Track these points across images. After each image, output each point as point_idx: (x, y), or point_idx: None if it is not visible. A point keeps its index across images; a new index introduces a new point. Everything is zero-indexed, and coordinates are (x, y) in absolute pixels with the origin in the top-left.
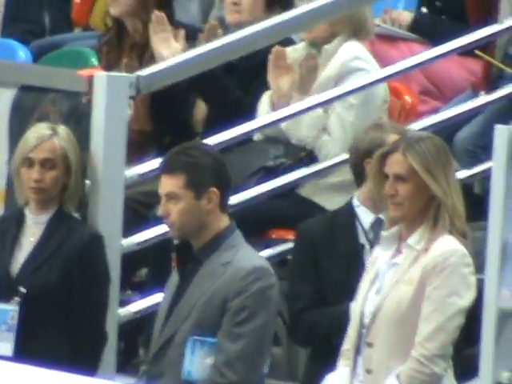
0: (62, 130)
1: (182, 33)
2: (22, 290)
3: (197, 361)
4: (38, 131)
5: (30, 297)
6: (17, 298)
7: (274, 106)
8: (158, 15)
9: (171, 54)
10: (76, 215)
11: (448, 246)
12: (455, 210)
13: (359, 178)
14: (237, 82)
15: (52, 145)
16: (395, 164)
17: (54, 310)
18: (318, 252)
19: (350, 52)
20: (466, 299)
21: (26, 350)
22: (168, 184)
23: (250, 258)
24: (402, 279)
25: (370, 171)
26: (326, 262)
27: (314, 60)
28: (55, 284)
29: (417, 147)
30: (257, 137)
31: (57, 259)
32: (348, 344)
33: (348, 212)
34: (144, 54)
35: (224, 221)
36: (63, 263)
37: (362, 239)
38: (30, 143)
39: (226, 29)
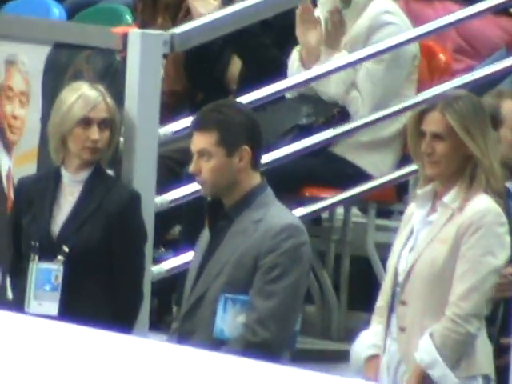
0: (103, 89)
1: None
2: (66, 249)
3: (229, 319)
4: (85, 91)
5: (73, 255)
6: (60, 257)
7: (303, 61)
8: None
9: (208, 11)
10: (110, 172)
11: (483, 205)
12: (492, 169)
13: None
14: (272, 40)
15: (107, 105)
16: (433, 122)
17: (96, 268)
18: None
19: (381, 6)
20: (501, 258)
21: (71, 308)
22: (200, 141)
23: (281, 215)
24: (437, 238)
25: (408, 128)
26: None
27: (339, 14)
28: (97, 242)
29: (455, 106)
30: (290, 94)
31: (98, 218)
32: (382, 301)
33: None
34: (177, 14)
35: (255, 179)
36: (104, 222)
37: None
38: (88, 103)
39: None
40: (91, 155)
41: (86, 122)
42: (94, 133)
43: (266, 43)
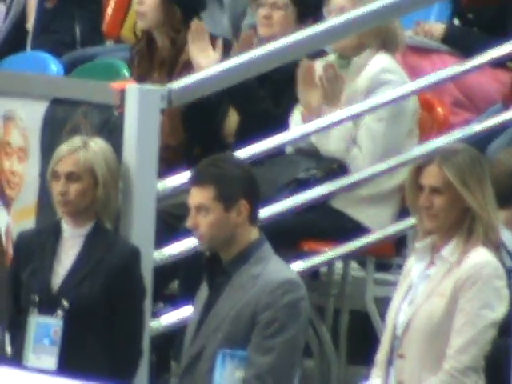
0: (94, 142)
1: (220, 42)
2: (65, 303)
3: (227, 374)
4: (68, 145)
5: (73, 310)
6: (60, 312)
7: (304, 120)
8: (197, 24)
9: (209, 63)
10: (110, 228)
11: (481, 258)
12: (490, 222)
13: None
14: (269, 93)
15: (76, 158)
16: (431, 176)
17: (96, 324)
18: None
19: (379, 64)
20: (499, 312)
21: (69, 363)
22: (197, 196)
23: (279, 270)
24: (435, 291)
25: (406, 182)
26: None
27: (333, 69)
28: (97, 298)
29: (453, 159)
30: (288, 149)
31: (99, 273)
32: (381, 355)
33: None
34: (173, 69)
35: (253, 233)
36: (105, 278)
37: (508, 262)
38: (56, 157)
39: (259, 40)
40: (62, 208)
41: (54, 176)
42: (59, 185)
43: (261, 96)
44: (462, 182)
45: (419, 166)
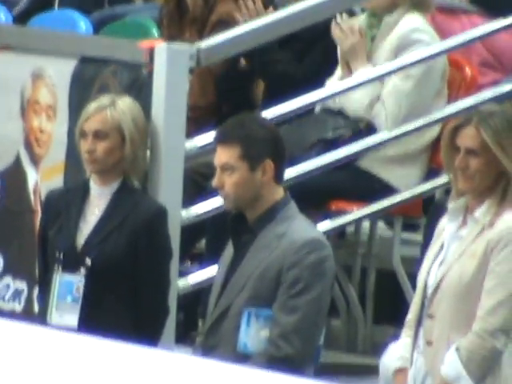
0: (123, 101)
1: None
2: (88, 261)
3: (252, 333)
4: (96, 103)
5: (96, 268)
6: (82, 270)
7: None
8: None
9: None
10: (138, 186)
11: None
12: None
13: None
14: (295, 52)
15: (103, 116)
16: (467, 137)
17: (119, 283)
18: None
19: (410, 24)
20: None
21: (91, 321)
22: (223, 155)
23: (304, 229)
24: (466, 252)
25: (442, 142)
26: None
27: (347, 24)
28: (121, 256)
29: (490, 121)
30: (317, 109)
31: (123, 232)
32: (412, 314)
33: None
34: (204, 29)
35: (279, 193)
36: (129, 236)
37: None
38: (84, 115)
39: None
40: (90, 166)
41: (82, 134)
42: (86, 144)
43: (279, 59)
44: (498, 145)
45: (456, 127)
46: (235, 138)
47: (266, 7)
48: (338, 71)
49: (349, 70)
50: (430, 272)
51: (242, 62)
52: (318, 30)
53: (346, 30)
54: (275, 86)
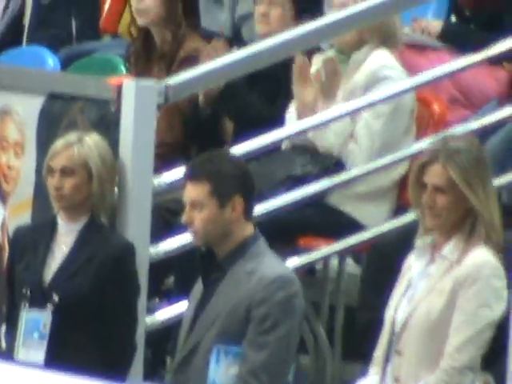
0: (90, 137)
1: (221, 41)
2: (56, 297)
3: (222, 370)
4: (63, 140)
5: (63, 305)
6: (50, 306)
7: (299, 117)
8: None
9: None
10: (106, 223)
11: (481, 257)
12: (492, 222)
13: None
14: (264, 90)
15: (70, 153)
16: (434, 175)
17: (86, 319)
18: None
19: (379, 60)
20: (497, 312)
21: (58, 358)
22: (192, 192)
23: (274, 266)
24: (434, 289)
25: (409, 180)
26: None
27: (333, 64)
28: (88, 293)
29: (456, 159)
30: (284, 146)
31: (90, 268)
32: (379, 351)
33: None
34: (172, 64)
35: (248, 229)
36: (96, 273)
37: None
38: (51, 152)
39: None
40: (57, 202)
41: (49, 171)
42: (54, 180)
43: (251, 101)
44: (465, 182)
45: (423, 164)
46: (204, 175)
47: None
48: (293, 106)
49: (308, 106)
50: (397, 308)
51: (201, 101)
52: (286, 67)
53: (334, 70)
54: (245, 127)
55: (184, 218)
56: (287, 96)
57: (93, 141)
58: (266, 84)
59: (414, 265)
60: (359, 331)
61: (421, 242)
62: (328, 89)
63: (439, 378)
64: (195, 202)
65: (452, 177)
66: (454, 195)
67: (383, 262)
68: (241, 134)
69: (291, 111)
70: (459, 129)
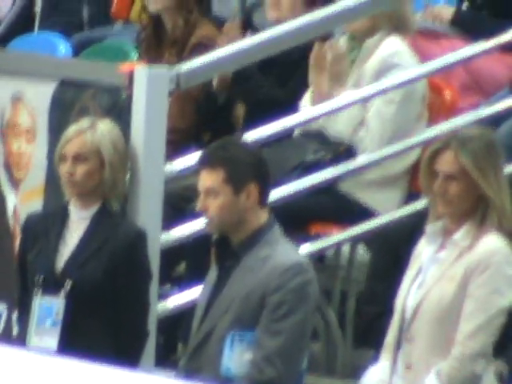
0: (103, 123)
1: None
2: (68, 284)
3: (236, 356)
4: (76, 126)
5: (76, 291)
6: (62, 293)
7: (314, 104)
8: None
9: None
10: (117, 210)
11: (493, 244)
12: (503, 209)
13: None
14: (276, 76)
15: (83, 139)
16: (446, 163)
17: (99, 305)
18: None
19: (391, 47)
20: (509, 298)
21: (71, 344)
22: (207, 179)
23: (288, 253)
24: (445, 275)
25: (421, 168)
26: None
27: (339, 48)
28: (100, 280)
29: (468, 146)
30: (296, 132)
31: (102, 255)
32: (390, 337)
33: None
34: (183, 51)
35: (263, 216)
36: (109, 259)
37: None
38: (64, 139)
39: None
40: (69, 189)
41: (61, 157)
42: (66, 167)
43: (262, 84)
44: (477, 170)
45: (434, 152)
46: (219, 162)
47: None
48: (310, 91)
49: (324, 94)
50: (408, 295)
51: (214, 84)
52: (298, 53)
53: (338, 54)
54: (258, 110)
55: (199, 206)
56: (300, 80)
57: (105, 127)
58: (274, 69)
59: (424, 250)
60: (366, 321)
61: (431, 227)
62: (334, 74)
63: (451, 366)
64: (210, 189)
65: (464, 164)
66: (466, 183)
67: (390, 251)
68: (252, 119)
69: (306, 98)
70: (471, 116)
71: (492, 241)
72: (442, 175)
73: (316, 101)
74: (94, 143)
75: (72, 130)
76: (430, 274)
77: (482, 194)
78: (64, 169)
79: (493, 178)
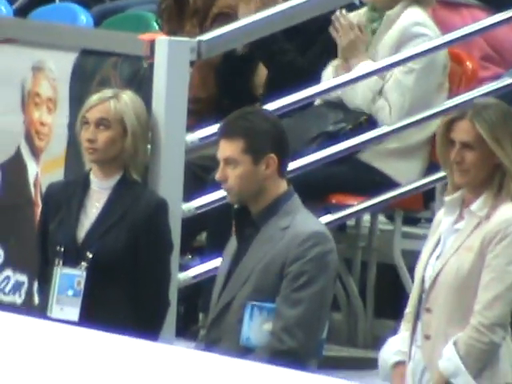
0: (126, 94)
1: None
2: (89, 255)
3: (255, 326)
4: (99, 94)
5: (97, 262)
6: (83, 263)
7: (338, 74)
8: None
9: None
10: (138, 180)
11: (510, 214)
12: None
13: None
14: (298, 45)
15: (107, 106)
16: (462, 131)
17: (120, 276)
18: None
19: (412, 18)
20: None
21: (92, 315)
22: (226, 149)
23: (308, 222)
24: (463, 245)
25: (437, 137)
26: None
27: (346, 19)
28: (122, 250)
29: (484, 115)
30: (317, 102)
31: (123, 225)
32: (410, 308)
33: None
34: (205, 21)
35: (282, 186)
36: (130, 229)
37: None
38: (87, 105)
39: None
40: (90, 155)
41: (84, 123)
42: (88, 132)
43: (289, 49)
44: (493, 138)
45: (450, 121)
46: (239, 132)
47: None
48: (333, 63)
49: (347, 65)
50: (427, 266)
51: (239, 48)
52: (318, 23)
53: (344, 25)
54: (279, 75)
55: (218, 175)
56: (316, 49)
57: (128, 97)
58: (295, 37)
59: (443, 221)
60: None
61: (449, 198)
62: (344, 46)
63: (469, 336)
64: (229, 159)
65: (480, 133)
66: (483, 151)
67: None
68: (273, 85)
69: (328, 69)
70: (492, 86)
71: (509, 210)
72: (458, 144)
73: (341, 71)
74: (118, 111)
75: (95, 97)
76: (448, 245)
77: (499, 163)
78: (86, 135)
79: (509, 147)
